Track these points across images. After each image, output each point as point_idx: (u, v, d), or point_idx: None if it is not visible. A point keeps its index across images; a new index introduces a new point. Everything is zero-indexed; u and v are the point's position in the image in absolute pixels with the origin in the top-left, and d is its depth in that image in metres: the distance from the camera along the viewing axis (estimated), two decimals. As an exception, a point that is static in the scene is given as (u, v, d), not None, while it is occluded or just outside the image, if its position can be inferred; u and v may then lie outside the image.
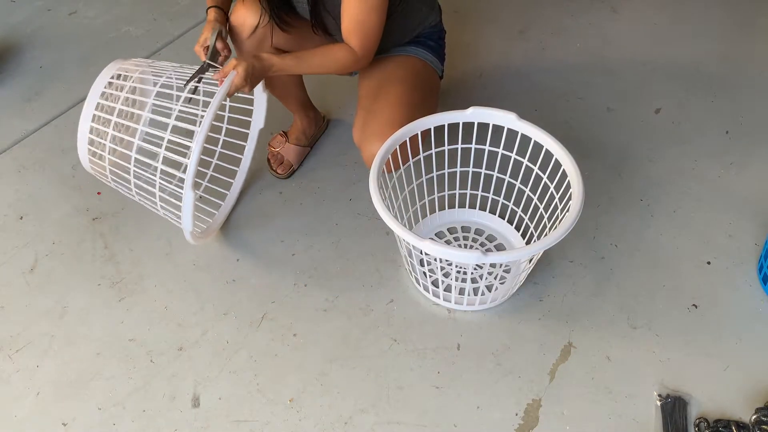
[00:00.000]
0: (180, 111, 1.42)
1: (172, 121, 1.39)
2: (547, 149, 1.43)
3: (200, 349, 1.45)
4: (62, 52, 2.26)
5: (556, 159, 1.41)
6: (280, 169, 1.80)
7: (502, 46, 2.22)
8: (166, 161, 1.42)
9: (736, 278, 1.54)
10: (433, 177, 1.61)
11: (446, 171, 1.59)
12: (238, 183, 1.76)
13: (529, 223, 1.59)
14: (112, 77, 1.50)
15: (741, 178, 1.77)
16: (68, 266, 1.62)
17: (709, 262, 1.58)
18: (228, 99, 1.71)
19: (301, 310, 1.51)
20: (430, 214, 1.66)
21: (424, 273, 1.48)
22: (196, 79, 1.43)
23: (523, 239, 1.62)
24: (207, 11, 1.52)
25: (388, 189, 1.48)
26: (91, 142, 1.52)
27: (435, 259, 1.39)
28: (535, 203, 1.55)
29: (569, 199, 1.35)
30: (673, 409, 1.31)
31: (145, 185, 1.52)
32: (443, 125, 1.49)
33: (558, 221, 1.43)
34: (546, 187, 1.50)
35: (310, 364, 1.42)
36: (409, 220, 1.62)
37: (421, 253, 1.37)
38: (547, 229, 1.50)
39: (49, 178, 1.84)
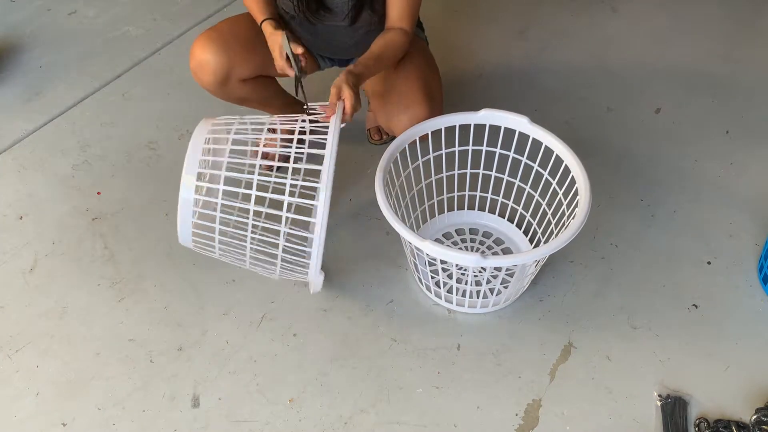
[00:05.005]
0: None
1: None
2: (557, 154, 1.43)
3: (200, 349, 1.45)
4: (62, 52, 2.25)
5: (566, 165, 1.41)
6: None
7: (502, 46, 2.22)
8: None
9: (736, 278, 1.54)
10: (442, 177, 1.60)
11: (456, 172, 1.58)
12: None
13: (537, 228, 1.58)
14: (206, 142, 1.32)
15: (741, 178, 1.77)
16: (68, 266, 1.62)
17: (709, 262, 1.58)
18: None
19: (301, 310, 1.51)
20: (439, 214, 1.66)
21: (427, 273, 1.48)
22: (303, 93, 1.40)
23: (531, 244, 1.61)
24: (261, 27, 1.47)
25: (395, 187, 1.48)
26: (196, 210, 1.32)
27: (436, 260, 1.39)
28: (544, 208, 1.55)
29: (576, 206, 1.35)
30: (673, 409, 1.31)
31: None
32: (454, 126, 1.49)
33: (564, 227, 1.42)
34: (555, 193, 1.50)
35: (310, 364, 1.42)
36: (417, 220, 1.62)
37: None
38: (554, 235, 1.49)
39: (49, 178, 1.84)
